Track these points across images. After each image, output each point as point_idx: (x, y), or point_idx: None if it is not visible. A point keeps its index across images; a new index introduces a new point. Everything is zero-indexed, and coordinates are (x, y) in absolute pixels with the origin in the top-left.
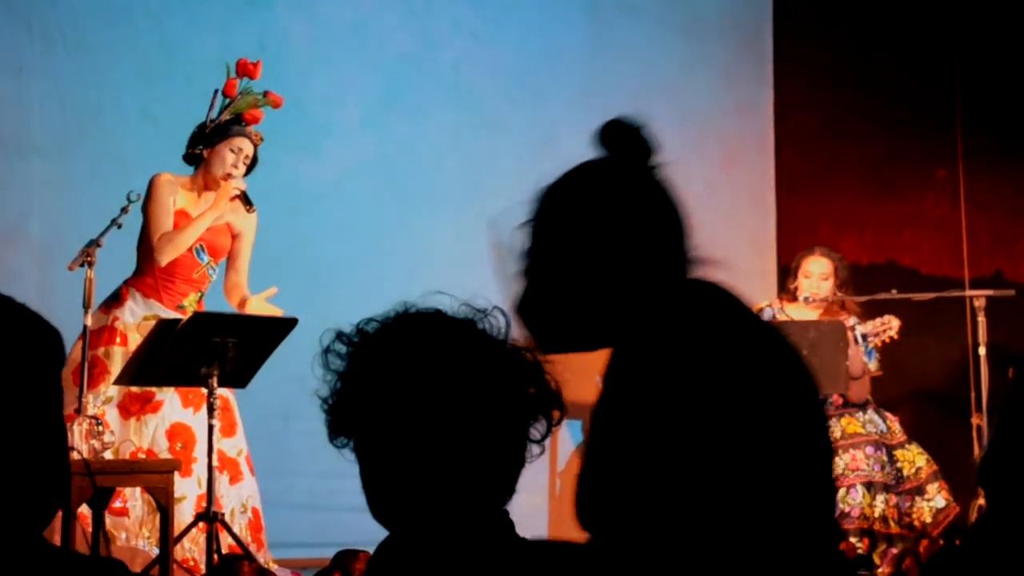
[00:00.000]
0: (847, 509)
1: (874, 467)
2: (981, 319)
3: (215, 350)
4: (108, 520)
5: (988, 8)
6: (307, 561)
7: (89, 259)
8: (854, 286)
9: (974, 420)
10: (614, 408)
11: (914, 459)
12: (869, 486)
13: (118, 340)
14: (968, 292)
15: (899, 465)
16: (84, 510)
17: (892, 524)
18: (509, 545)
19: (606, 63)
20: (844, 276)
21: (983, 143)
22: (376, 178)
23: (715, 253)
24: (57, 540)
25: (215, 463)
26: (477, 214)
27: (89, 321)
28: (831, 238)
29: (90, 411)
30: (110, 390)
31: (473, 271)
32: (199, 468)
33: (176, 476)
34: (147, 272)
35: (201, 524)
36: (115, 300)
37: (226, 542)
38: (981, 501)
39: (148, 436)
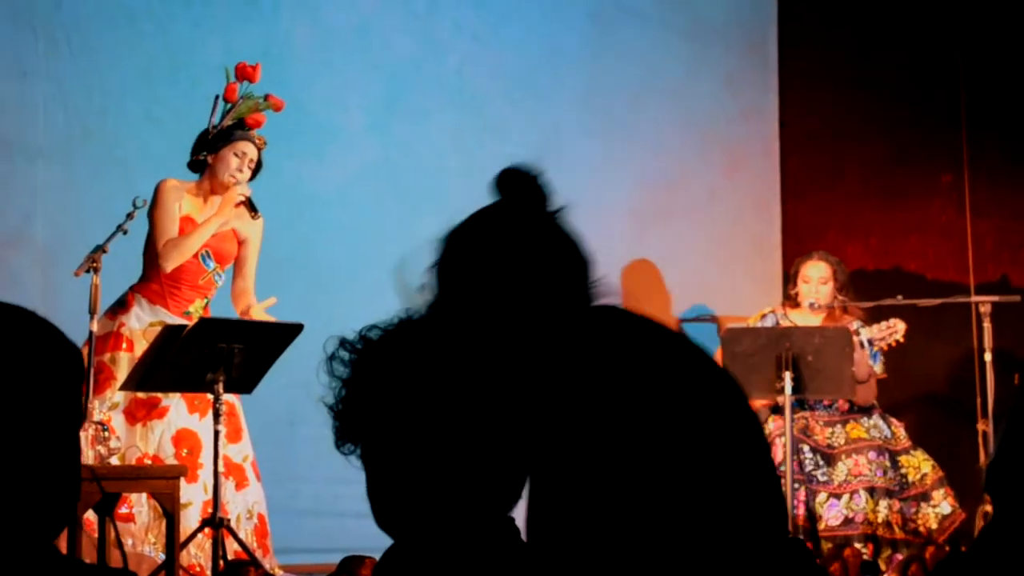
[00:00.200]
0: (851, 515)
1: (877, 472)
2: (987, 325)
3: (221, 356)
4: (114, 526)
5: (993, 13)
6: (313, 567)
7: (95, 265)
8: (858, 291)
9: (980, 426)
10: (541, 440)
11: (919, 465)
12: (872, 491)
13: (124, 346)
14: (974, 298)
15: (904, 471)
16: (90, 516)
17: (896, 530)
18: (514, 552)
19: (608, 66)
20: (843, 279)
21: (989, 149)
22: (379, 182)
23: (719, 258)
24: (62, 546)
25: (221, 469)
26: None
27: (95, 327)
28: (836, 244)
29: (96, 417)
30: (116, 396)
31: None
32: (205, 474)
33: (182, 482)
34: (153, 278)
35: (207, 530)
36: (121, 306)
37: (232, 548)
38: (987, 507)
39: (154, 442)
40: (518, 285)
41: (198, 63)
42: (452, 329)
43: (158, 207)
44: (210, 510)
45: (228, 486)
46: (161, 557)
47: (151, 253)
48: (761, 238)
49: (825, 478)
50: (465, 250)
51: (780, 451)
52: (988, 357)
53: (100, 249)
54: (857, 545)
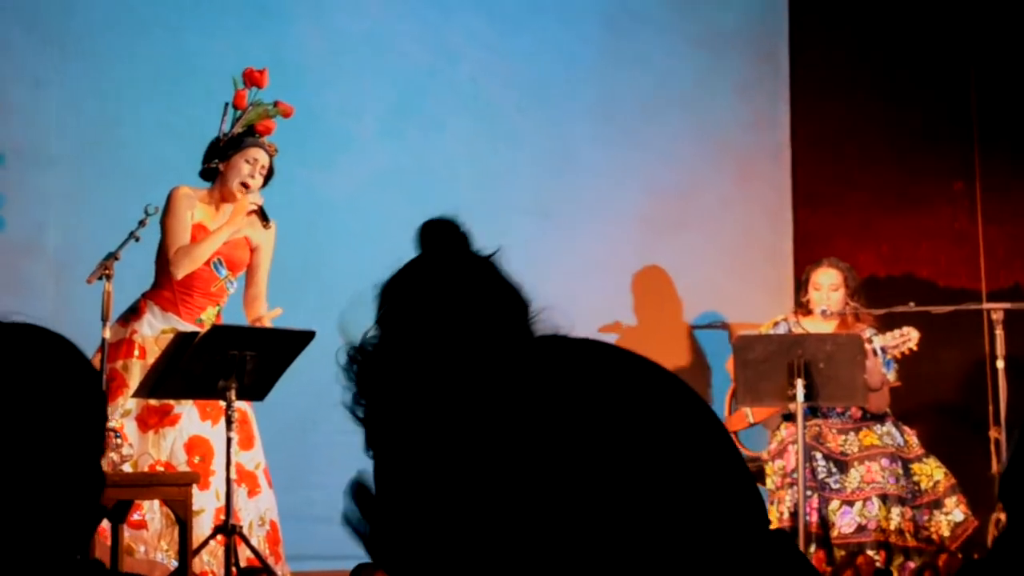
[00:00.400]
0: (863, 522)
1: (889, 479)
2: (999, 332)
3: (233, 363)
4: (126, 534)
5: (1004, 20)
6: (325, 574)
7: (107, 272)
8: (870, 298)
9: (992, 433)
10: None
11: (932, 472)
12: (884, 498)
13: (136, 353)
14: (986, 305)
15: (916, 479)
16: (103, 523)
17: (908, 537)
18: None
19: (621, 75)
20: (854, 285)
21: (1000, 156)
22: (392, 189)
23: (731, 266)
24: None
25: (233, 476)
26: (493, 226)
27: (107, 334)
28: (848, 251)
29: (109, 424)
30: (128, 403)
31: None
32: (217, 481)
33: (194, 489)
34: (165, 285)
35: (219, 537)
36: (133, 313)
37: (244, 555)
38: (999, 515)
39: (166, 449)
40: (448, 325)
41: (210, 71)
42: (396, 369)
43: (170, 215)
44: (222, 517)
45: (240, 493)
46: (174, 564)
47: (163, 260)
48: (772, 246)
49: (838, 485)
50: (395, 302)
51: (793, 458)
52: (1000, 364)
53: (112, 256)
54: (870, 552)
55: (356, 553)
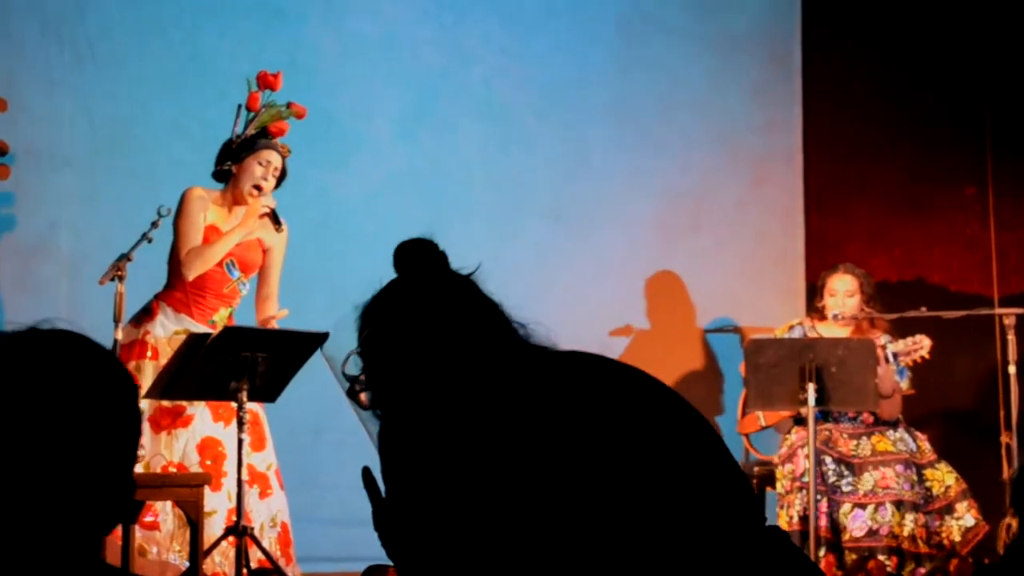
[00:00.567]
0: (876, 527)
1: (904, 486)
2: (1011, 337)
3: (245, 364)
4: (139, 534)
5: (1017, 25)
6: (336, 575)
7: (120, 273)
8: (882, 303)
9: (1003, 439)
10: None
11: (943, 478)
12: (899, 504)
13: (149, 354)
14: (998, 310)
15: (928, 484)
16: None
17: (921, 543)
18: None
19: (635, 79)
20: (870, 292)
21: (1013, 161)
22: (405, 193)
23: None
24: None
25: (245, 477)
26: (507, 228)
27: (120, 335)
28: (860, 256)
29: None
30: (141, 404)
31: (503, 285)
32: (229, 482)
33: (206, 490)
34: (178, 286)
35: (231, 538)
36: (146, 314)
37: (255, 556)
38: (1010, 520)
39: (179, 450)
40: (426, 347)
41: (224, 73)
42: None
43: (183, 216)
44: (234, 518)
45: (252, 494)
46: (185, 565)
47: (176, 262)
48: (785, 250)
49: (850, 488)
50: (377, 325)
51: (802, 462)
52: (1012, 370)
53: (125, 257)
54: (880, 557)
55: (366, 554)
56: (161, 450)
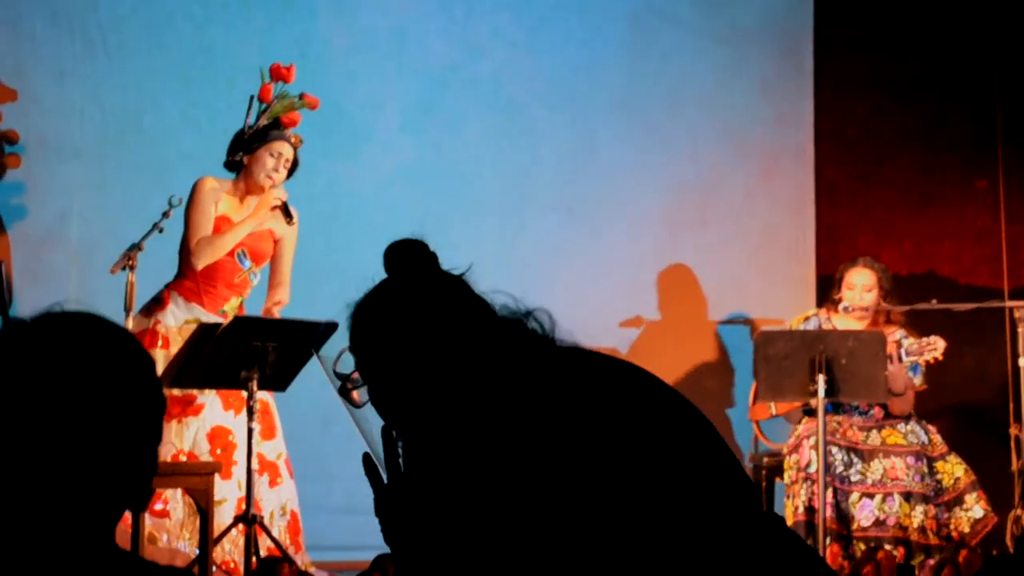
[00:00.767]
0: (883, 517)
1: (914, 478)
2: (1021, 330)
3: (255, 354)
4: (149, 522)
5: None
6: (345, 564)
7: (130, 263)
8: (897, 297)
9: (1012, 431)
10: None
11: (953, 470)
12: (908, 496)
13: (160, 343)
14: (1008, 303)
15: (939, 477)
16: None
17: (931, 535)
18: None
19: (645, 72)
20: (888, 287)
21: (1023, 154)
22: (415, 185)
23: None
24: None
25: (255, 466)
26: (516, 221)
27: (131, 324)
28: (870, 249)
29: None
30: None
31: (512, 278)
32: (239, 471)
33: (216, 479)
34: (189, 276)
35: (240, 526)
36: (157, 304)
37: (265, 544)
38: (1019, 512)
39: (189, 438)
40: (417, 347)
41: (234, 64)
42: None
43: (194, 205)
44: (244, 507)
45: (262, 483)
46: (195, 553)
47: (186, 251)
48: (795, 243)
49: (858, 477)
50: (367, 326)
51: (807, 452)
52: (1022, 362)
53: (136, 247)
54: (887, 548)
55: (375, 543)
56: (172, 438)
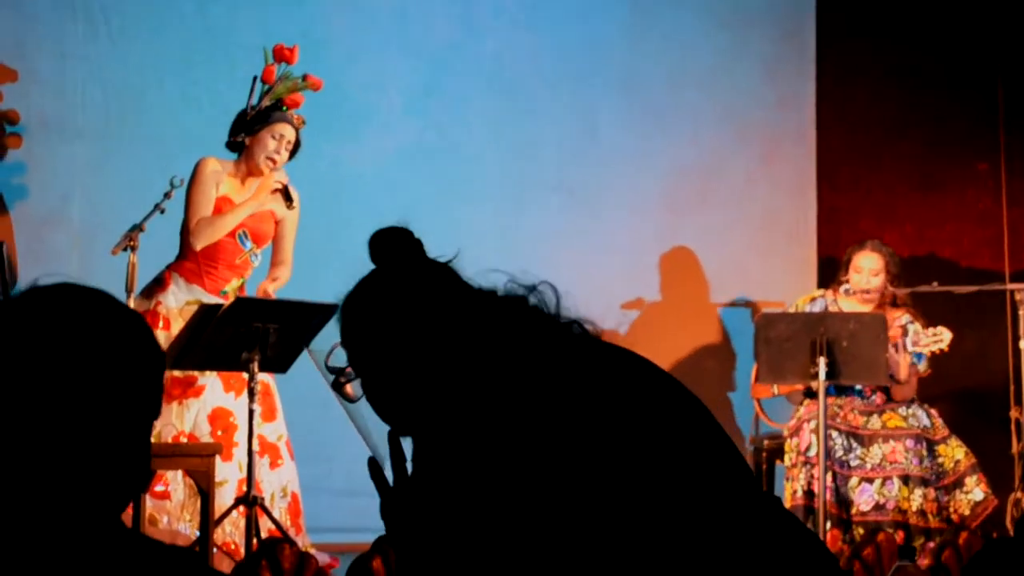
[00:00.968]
0: (882, 501)
1: (912, 460)
2: (1022, 312)
3: (256, 335)
4: (150, 503)
5: None
6: (345, 546)
7: (132, 244)
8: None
9: (1013, 413)
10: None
11: (953, 453)
12: (906, 479)
13: (161, 324)
14: (1009, 285)
15: (940, 460)
16: None
17: (931, 518)
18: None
19: (646, 52)
20: (896, 271)
21: None
22: (416, 165)
23: (755, 246)
24: None
25: (255, 448)
26: (517, 201)
27: (132, 305)
28: (872, 231)
29: None
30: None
31: (514, 256)
32: (240, 452)
33: (217, 460)
34: (190, 257)
35: (241, 508)
36: (158, 284)
37: (266, 526)
38: (1019, 494)
39: (190, 420)
40: (407, 338)
41: (236, 45)
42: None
43: (195, 185)
44: (244, 488)
45: (262, 465)
46: (196, 534)
47: (187, 231)
48: (797, 226)
49: (857, 461)
50: (358, 321)
51: (807, 436)
52: (1023, 345)
53: (137, 228)
54: (888, 530)
55: (375, 525)
56: (172, 420)
